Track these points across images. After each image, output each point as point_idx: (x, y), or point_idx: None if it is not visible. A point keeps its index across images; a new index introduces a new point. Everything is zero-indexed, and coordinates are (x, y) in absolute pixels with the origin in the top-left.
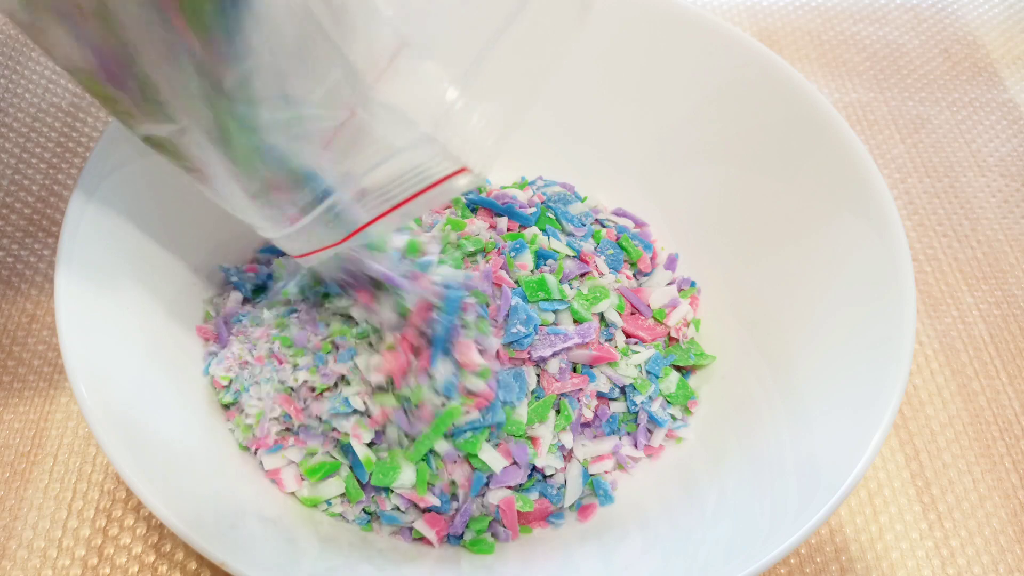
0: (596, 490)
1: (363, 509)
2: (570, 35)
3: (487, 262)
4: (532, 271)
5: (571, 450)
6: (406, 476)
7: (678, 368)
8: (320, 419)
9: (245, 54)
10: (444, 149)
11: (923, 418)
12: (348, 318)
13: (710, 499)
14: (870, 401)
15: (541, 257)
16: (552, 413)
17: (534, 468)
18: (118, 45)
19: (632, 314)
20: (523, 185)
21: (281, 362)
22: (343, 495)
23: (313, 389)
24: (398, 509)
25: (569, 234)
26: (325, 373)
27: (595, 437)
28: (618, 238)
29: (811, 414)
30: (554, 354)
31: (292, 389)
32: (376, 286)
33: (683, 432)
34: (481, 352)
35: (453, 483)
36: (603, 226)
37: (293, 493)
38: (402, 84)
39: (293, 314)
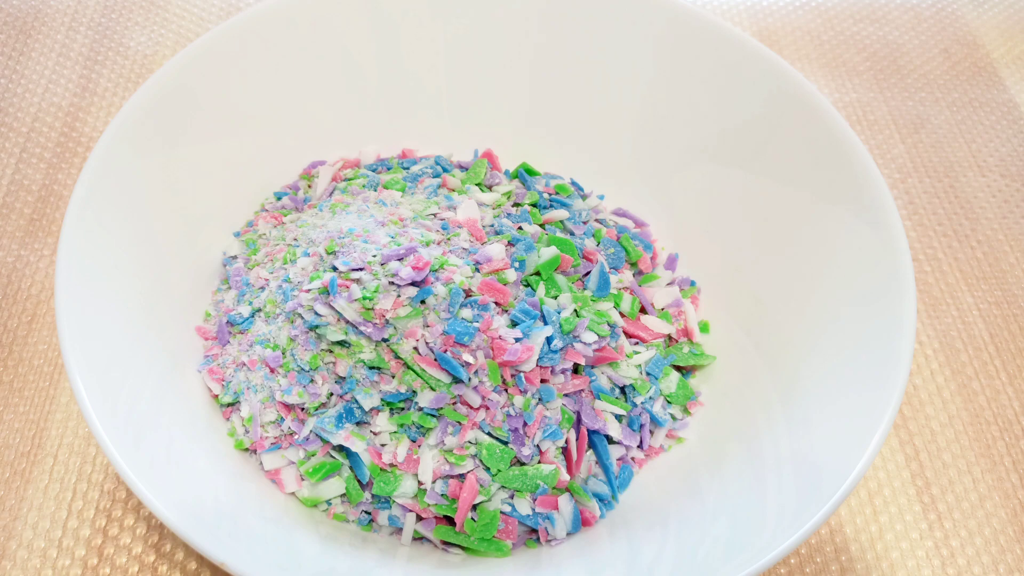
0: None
1: (363, 510)
2: None
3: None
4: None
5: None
6: (407, 486)
7: (678, 368)
8: (313, 432)
9: None
10: None
11: (923, 418)
12: (341, 343)
13: (710, 499)
14: (870, 401)
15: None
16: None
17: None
18: None
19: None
20: (532, 172)
21: (272, 370)
22: (343, 496)
23: (304, 409)
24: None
25: (570, 232)
26: (313, 392)
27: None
28: (619, 237)
29: (811, 414)
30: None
31: (285, 405)
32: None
33: (683, 432)
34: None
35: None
36: (604, 225)
37: (293, 493)
38: None
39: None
